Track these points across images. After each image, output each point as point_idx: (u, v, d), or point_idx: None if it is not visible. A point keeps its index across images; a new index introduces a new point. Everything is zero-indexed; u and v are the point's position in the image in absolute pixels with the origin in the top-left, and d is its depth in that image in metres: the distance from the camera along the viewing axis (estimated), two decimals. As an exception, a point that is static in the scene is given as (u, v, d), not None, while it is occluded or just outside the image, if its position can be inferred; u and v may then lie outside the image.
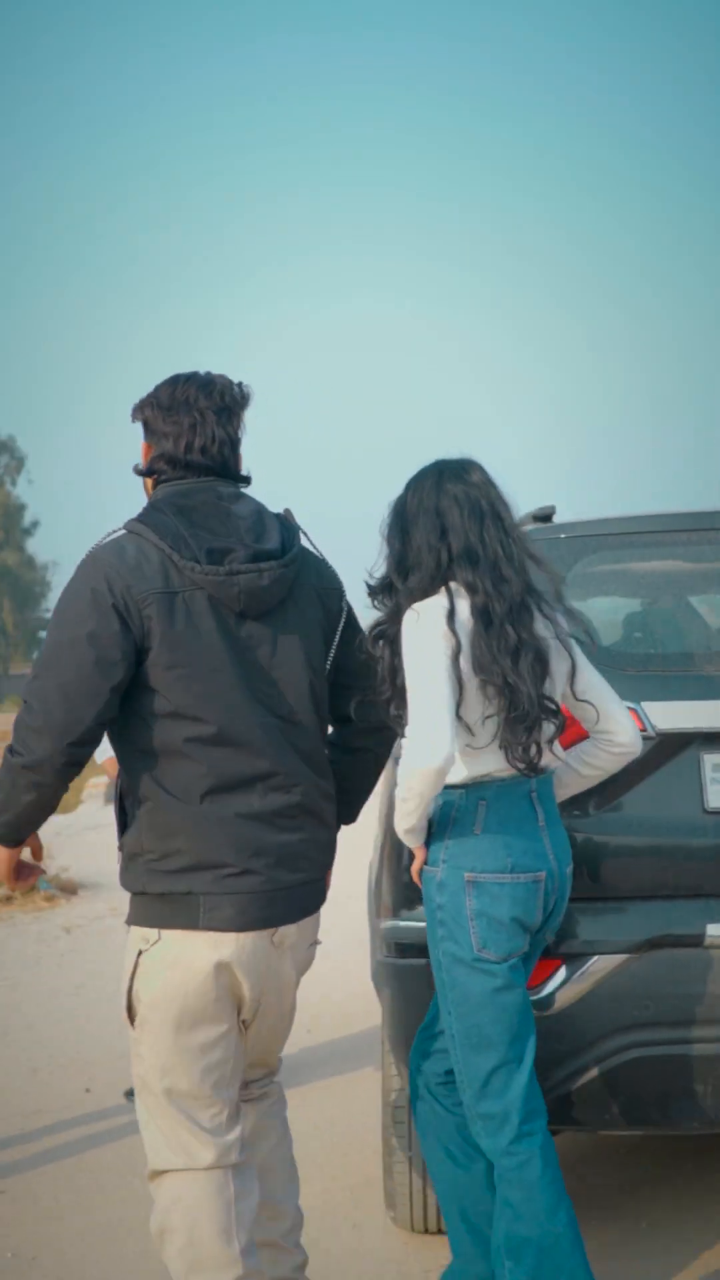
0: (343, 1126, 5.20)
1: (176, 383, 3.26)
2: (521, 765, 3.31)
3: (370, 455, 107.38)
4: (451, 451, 3.47)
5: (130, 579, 3.03)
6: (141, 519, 3.15)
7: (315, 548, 3.36)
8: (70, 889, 10.54)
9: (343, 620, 3.35)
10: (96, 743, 3.06)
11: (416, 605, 3.31)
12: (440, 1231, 4.26)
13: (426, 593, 3.34)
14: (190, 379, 3.26)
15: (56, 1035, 6.61)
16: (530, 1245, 3.30)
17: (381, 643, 3.38)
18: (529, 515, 4.62)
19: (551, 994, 3.65)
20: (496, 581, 3.31)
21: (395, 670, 3.33)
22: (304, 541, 3.31)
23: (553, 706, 3.33)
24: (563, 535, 4.24)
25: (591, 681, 3.48)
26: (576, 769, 3.57)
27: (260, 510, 3.25)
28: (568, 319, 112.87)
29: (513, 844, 3.34)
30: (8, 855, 3.16)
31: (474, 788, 3.36)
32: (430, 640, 3.25)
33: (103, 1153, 5.11)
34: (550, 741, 3.36)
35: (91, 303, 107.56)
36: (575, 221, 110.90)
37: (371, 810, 4.55)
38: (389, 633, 3.37)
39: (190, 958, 3.08)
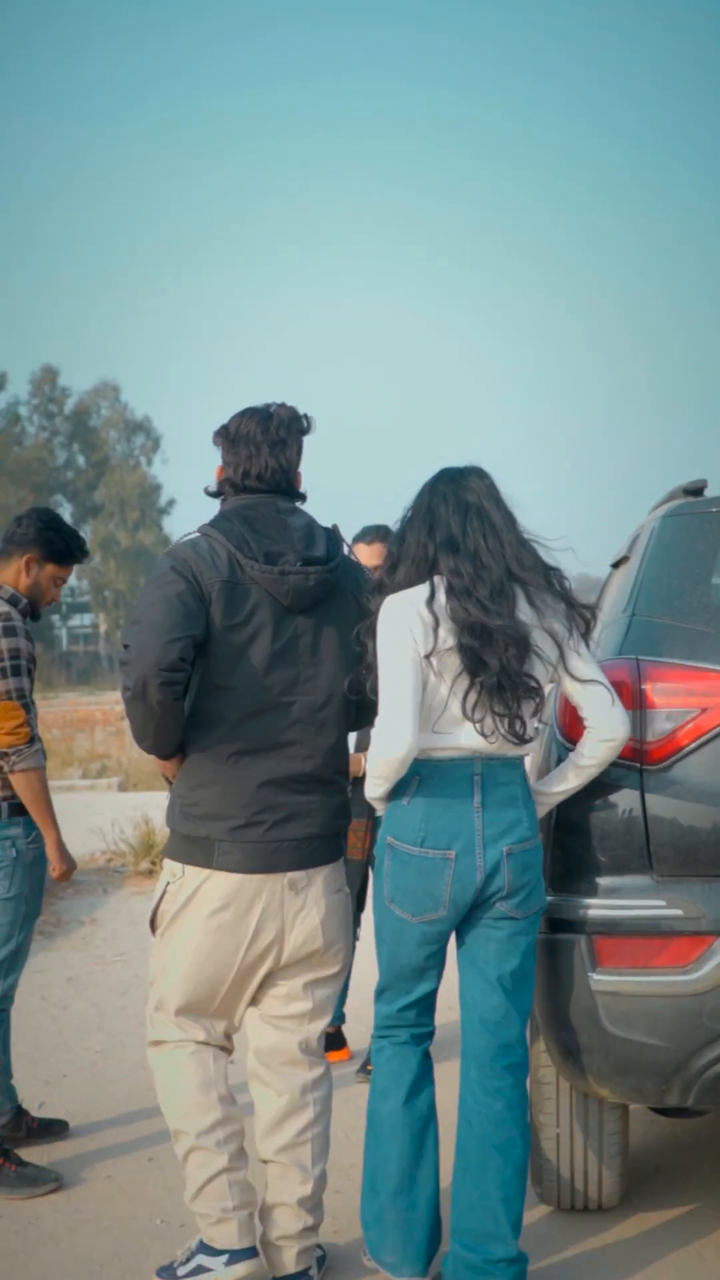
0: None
1: (242, 417, 3.86)
2: (509, 738, 3.59)
3: (369, 439, 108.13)
4: (458, 460, 3.80)
5: (202, 568, 3.62)
6: (213, 524, 3.73)
7: (354, 555, 3.92)
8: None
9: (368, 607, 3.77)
10: (185, 674, 3.56)
11: (396, 594, 3.64)
12: (587, 1209, 4.26)
13: (412, 584, 3.65)
14: (253, 414, 3.85)
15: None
16: (368, 1120, 3.84)
17: (366, 634, 3.72)
18: (679, 489, 4.57)
19: (707, 972, 3.62)
20: (477, 568, 3.60)
21: (374, 663, 3.69)
22: (345, 550, 3.86)
23: (533, 684, 3.59)
24: (715, 509, 4.19)
25: (582, 673, 3.69)
26: (574, 760, 3.75)
27: (311, 523, 3.82)
28: (567, 316, 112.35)
29: (431, 820, 3.64)
30: (168, 764, 3.80)
31: (418, 762, 3.64)
32: (400, 628, 3.59)
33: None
34: (533, 716, 3.63)
35: (227, 280, 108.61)
36: (575, 219, 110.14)
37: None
38: (372, 625, 3.69)
39: (205, 891, 3.69)
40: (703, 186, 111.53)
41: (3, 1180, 4.54)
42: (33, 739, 4.61)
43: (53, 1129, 5.07)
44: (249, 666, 3.65)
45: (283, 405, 3.88)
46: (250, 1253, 3.75)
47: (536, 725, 3.72)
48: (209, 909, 3.69)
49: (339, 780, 3.82)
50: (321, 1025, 3.92)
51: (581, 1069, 3.84)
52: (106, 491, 71.92)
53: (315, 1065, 3.91)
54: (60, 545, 4.83)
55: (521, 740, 3.61)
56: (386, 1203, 3.78)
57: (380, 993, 3.88)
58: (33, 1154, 4.85)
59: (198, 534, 3.72)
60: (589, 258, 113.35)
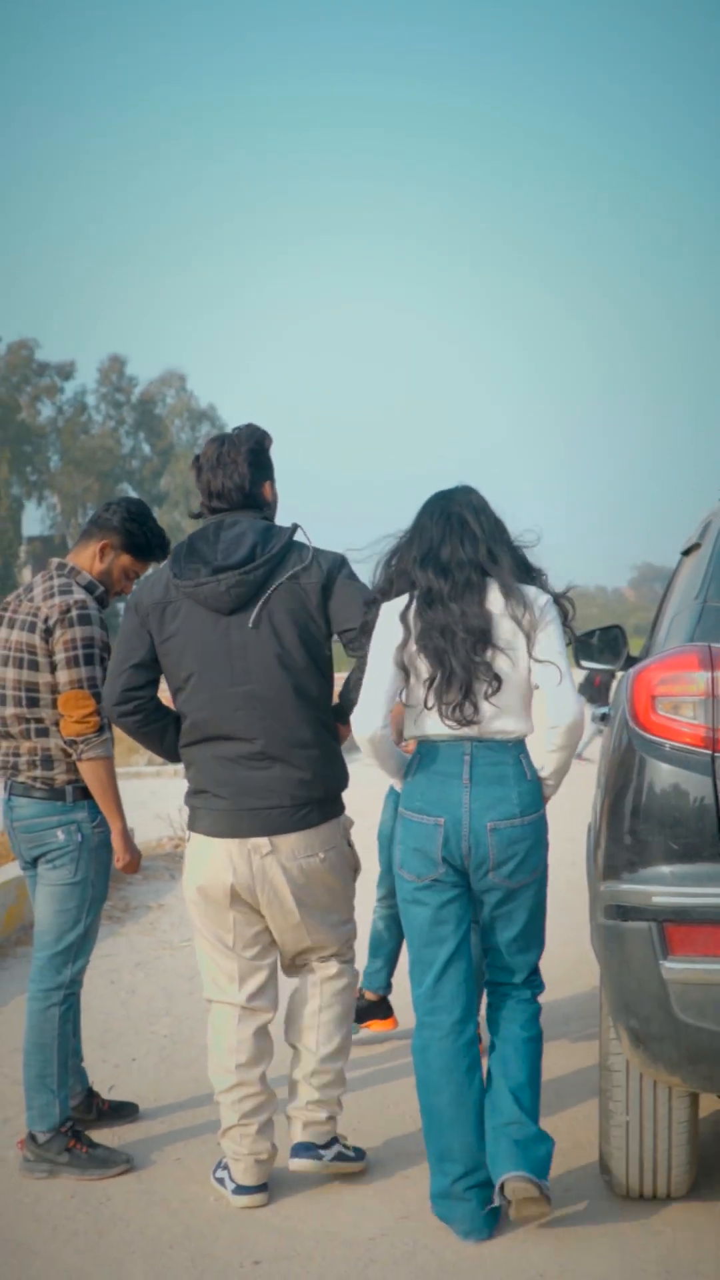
0: (554, 1089, 5.19)
1: (207, 444, 4.44)
2: (454, 720, 4.01)
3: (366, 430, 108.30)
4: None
5: (143, 596, 4.38)
6: (174, 549, 4.40)
7: (307, 540, 4.37)
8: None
9: (320, 590, 4.28)
10: (138, 702, 4.37)
11: (387, 603, 4.12)
12: (656, 1196, 4.24)
13: (400, 594, 4.11)
14: (214, 439, 4.44)
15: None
16: (423, 1109, 4.16)
17: (366, 635, 4.19)
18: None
19: None
20: (442, 571, 4.03)
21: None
22: (299, 539, 4.34)
23: (485, 668, 3.99)
24: None
25: (539, 653, 4.05)
26: (545, 748, 4.15)
27: (244, 532, 4.29)
28: (564, 310, 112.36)
29: (426, 791, 4.09)
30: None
31: (420, 744, 4.16)
32: (383, 633, 4.09)
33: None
34: (487, 698, 4.00)
35: (295, 272, 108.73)
36: (572, 214, 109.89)
37: (586, 779, 4.52)
38: (370, 623, 4.17)
39: (198, 854, 4.36)
40: (702, 185, 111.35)
41: (74, 1161, 4.59)
42: (102, 728, 4.62)
43: (123, 1111, 5.11)
44: (189, 668, 4.29)
45: (245, 426, 4.47)
46: (252, 1190, 4.36)
47: (494, 706, 4.03)
48: (196, 865, 4.37)
49: (296, 755, 4.28)
50: (323, 955, 4.48)
51: (652, 1057, 3.83)
52: (171, 480, 72.18)
53: (327, 967, 4.49)
54: (140, 539, 4.84)
55: (468, 722, 4.01)
56: (452, 1186, 4.10)
57: (411, 975, 4.23)
58: (103, 1136, 4.89)
59: (165, 561, 4.52)
60: (585, 251, 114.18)
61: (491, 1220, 4.09)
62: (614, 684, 4.26)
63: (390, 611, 4.09)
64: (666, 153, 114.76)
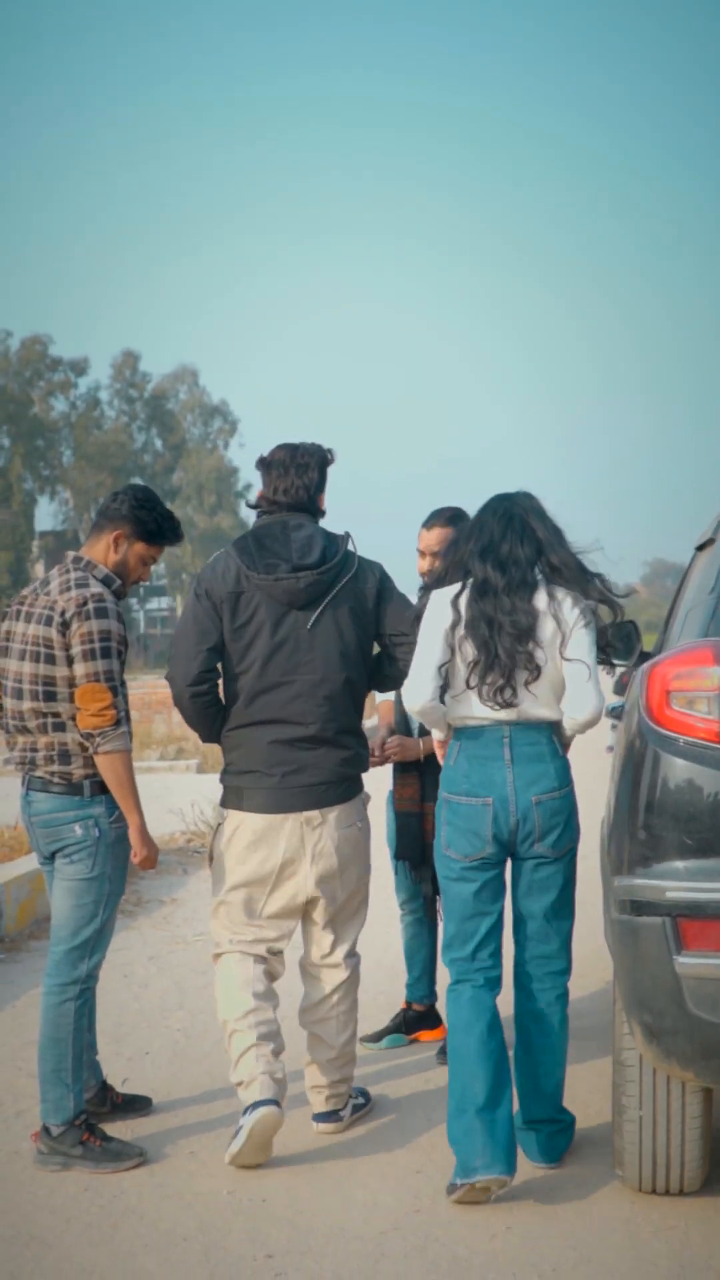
0: (567, 1084, 5.17)
1: (277, 448, 4.86)
2: (495, 703, 4.35)
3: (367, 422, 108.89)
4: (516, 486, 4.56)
5: (214, 583, 4.71)
6: (235, 543, 4.78)
7: (354, 548, 4.82)
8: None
9: (375, 596, 4.78)
10: (210, 683, 4.73)
11: (439, 589, 4.46)
12: (669, 1191, 4.24)
13: (454, 583, 4.44)
14: (285, 446, 4.86)
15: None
16: (451, 1051, 4.42)
17: (416, 622, 4.54)
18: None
19: None
20: (499, 565, 4.36)
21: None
22: (350, 548, 4.79)
23: (527, 658, 4.32)
24: None
25: (570, 653, 4.36)
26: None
27: (314, 534, 4.74)
28: (562, 307, 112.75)
29: (471, 774, 4.41)
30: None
31: (459, 730, 4.48)
32: (434, 615, 4.43)
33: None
34: (525, 685, 4.34)
35: (307, 267, 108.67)
36: (571, 212, 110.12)
37: (599, 774, 4.52)
38: (420, 613, 4.53)
39: (241, 829, 4.74)
40: (702, 183, 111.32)
41: (88, 1154, 4.60)
42: (119, 721, 4.63)
43: (136, 1105, 5.12)
44: (255, 656, 4.68)
45: (311, 443, 4.89)
46: (266, 1104, 4.53)
47: (532, 694, 4.37)
48: (244, 842, 4.73)
49: (343, 739, 4.76)
50: (343, 952, 4.90)
51: (665, 1052, 3.83)
52: (184, 475, 72.28)
53: (341, 972, 4.90)
54: (151, 525, 4.84)
55: (507, 704, 4.34)
56: (473, 1119, 4.26)
57: (448, 944, 4.49)
58: (117, 1129, 4.91)
59: (222, 551, 4.80)
60: (584, 248, 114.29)
61: (503, 1156, 4.23)
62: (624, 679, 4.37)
63: (443, 597, 4.43)
64: (666, 151, 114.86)
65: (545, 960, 4.52)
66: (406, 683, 4.48)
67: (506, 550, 4.37)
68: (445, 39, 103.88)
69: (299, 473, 4.79)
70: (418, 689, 4.41)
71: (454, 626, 4.37)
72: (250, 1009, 4.68)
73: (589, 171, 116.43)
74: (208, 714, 4.78)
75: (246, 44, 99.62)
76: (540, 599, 4.35)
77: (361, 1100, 5.06)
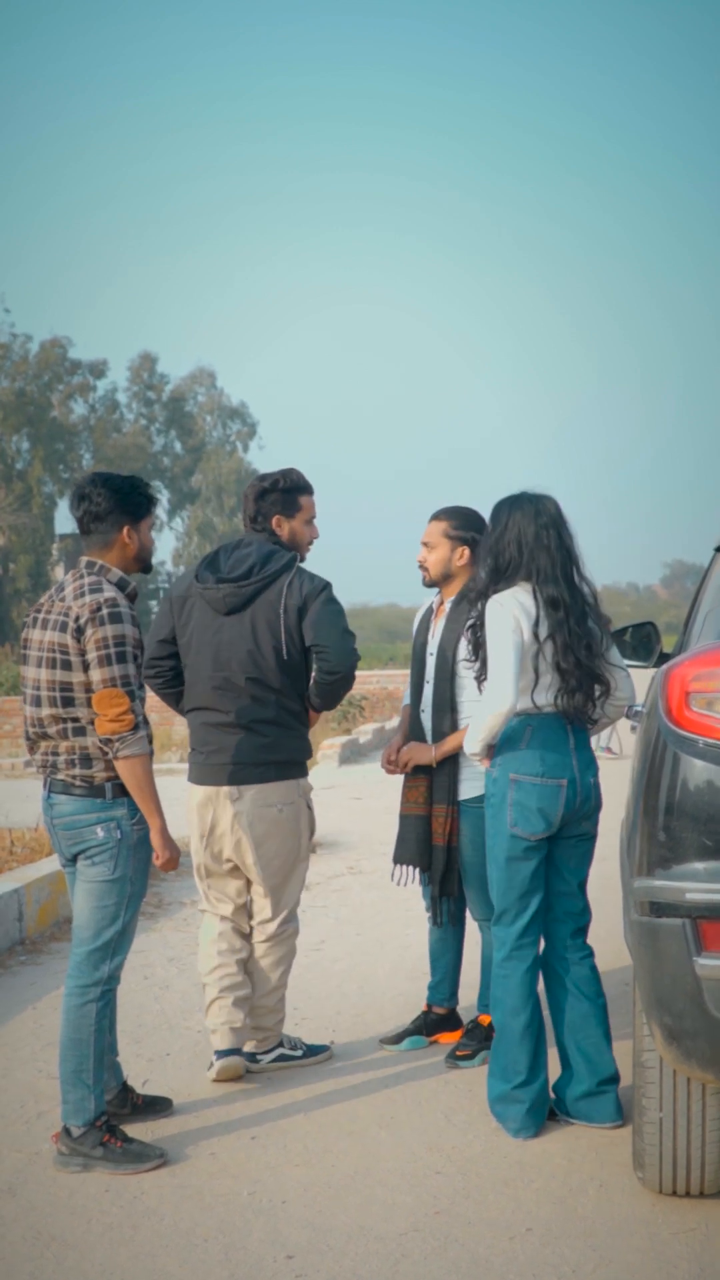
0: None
1: (253, 481, 5.64)
2: (574, 714, 4.81)
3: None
4: (533, 486, 4.93)
5: (174, 588, 5.57)
6: (203, 557, 5.51)
7: (299, 567, 5.47)
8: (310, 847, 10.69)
9: (296, 610, 5.33)
10: (163, 666, 5.52)
11: (496, 595, 4.77)
12: (689, 1193, 4.24)
13: (510, 587, 4.78)
14: (257, 478, 5.63)
15: (299, 991, 6.72)
16: (499, 1022, 4.89)
17: (471, 631, 4.96)
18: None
19: None
20: (570, 588, 4.78)
21: (480, 646, 4.89)
22: (282, 567, 5.38)
23: (597, 678, 4.83)
24: None
25: (614, 660, 4.95)
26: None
27: (251, 553, 5.43)
28: (557, 301, 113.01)
29: (546, 757, 4.79)
30: None
31: (526, 716, 4.81)
32: (504, 620, 4.73)
33: (350, 1105, 5.21)
34: (600, 699, 4.88)
35: (322, 268, 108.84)
36: (566, 207, 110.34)
37: (619, 775, 4.52)
38: (478, 623, 4.89)
39: (191, 796, 5.51)
40: (703, 183, 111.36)
41: (109, 1155, 4.61)
42: (137, 726, 4.63)
43: (156, 1106, 5.14)
44: (192, 652, 5.44)
45: (270, 473, 5.60)
46: (227, 1053, 5.40)
47: (599, 690, 4.88)
48: (192, 807, 5.50)
49: (260, 727, 5.38)
50: (274, 917, 5.52)
51: (685, 1054, 3.83)
52: (203, 478, 72.22)
53: (269, 929, 5.53)
54: (139, 499, 4.84)
55: (591, 699, 4.83)
56: (513, 1091, 4.83)
57: (499, 917, 4.90)
58: (137, 1130, 4.92)
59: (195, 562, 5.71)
60: (580, 245, 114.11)
61: (537, 1121, 4.83)
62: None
63: (513, 601, 4.76)
64: (666, 148, 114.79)
65: (583, 930, 5.01)
66: (489, 693, 4.74)
67: (576, 576, 4.80)
68: (445, 38, 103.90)
69: (247, 503, 5.60)
70: (503, 694, 4.68)
71: (531, 644, 4.73)
72: (215, 965, 5.45)
73: (587, 166, 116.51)
74: (165, 693, 5.60)
75: (242, 44, 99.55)
76: (594, 617, 4.86)
77: (297, 1053, 5.70)
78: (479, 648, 4.91)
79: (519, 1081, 4.82)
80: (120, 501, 4.78)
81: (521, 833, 4.78)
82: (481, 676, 4.91)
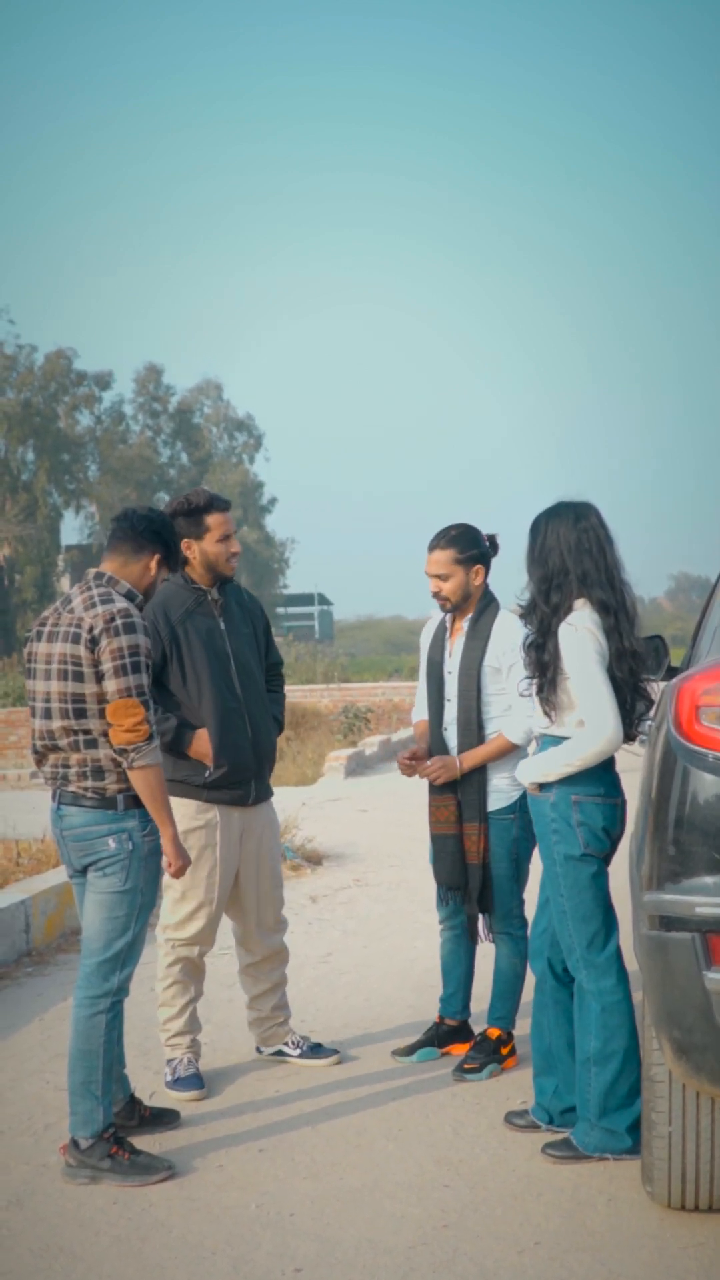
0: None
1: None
2: (636, 732, 4.74)
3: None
4: (571, 494, 4.79)
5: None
6: None
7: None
8: (315, 859, 10.69)
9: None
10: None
11: (570, 619, 4.61)
12: (699, 1208, 4.24)
13: (561, 608, 4.65)
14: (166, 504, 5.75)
15: (306, 1003, 6.72)
16: (618, 1054, 4.65)
17: (534, 650, 4.73)
18: None
19: None
20: (614, 590, 4.66)
21: (545, 667, 4.67)
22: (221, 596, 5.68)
23: (641, 688, 4.74)
24: None
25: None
26: None
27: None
28: (561, 307, 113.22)
29: (604, 776, 4.70)
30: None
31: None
32: (589, 647, 4.58)
33: (357, 1118, 5.20)
34: (641, 718, 4.75)
35: (330, 281, 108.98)
36: (570, 210, 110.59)
37: (629, 788, 4.52)
38: (539, 642, 4.71)
39: None
40: (703, 183, 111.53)
41: (116, 1167, 4.61)
42: (151, 736, 4.65)
43: (164, 1118, 5.14)
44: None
45: (183, 495, 5.78)
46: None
47: (642, 707, 4.80)
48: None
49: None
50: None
51: (694, 1068, 3.83)
52: (209, 489, 72.38)
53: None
54: (177, 553, 4.99)
55: (634, 714, 4.76)
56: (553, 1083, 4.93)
57: (589, 943, 4.70)
58: (145, 1143, 4.92)
59: None
60: (580, 245, 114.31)
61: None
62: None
63: (583, 626, 4.61)
64: (665, 146, 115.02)
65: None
66: (593, 727, 4.57)
67: (631, 597, 4.72)
68: (445, 38, 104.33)
69: None
70: (613, 731, 4.57)
71: (606, 656, 4.63)
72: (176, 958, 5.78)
73: (586, 165, 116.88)
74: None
75: (243, 44, 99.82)
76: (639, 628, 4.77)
77: (295, 1052, 5.86)
78: (543, 669, 4.68)
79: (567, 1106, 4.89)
80: (167, 539, 4.90)
81: (593, 852, 4.67)
82: (547, 695, 4.70)
